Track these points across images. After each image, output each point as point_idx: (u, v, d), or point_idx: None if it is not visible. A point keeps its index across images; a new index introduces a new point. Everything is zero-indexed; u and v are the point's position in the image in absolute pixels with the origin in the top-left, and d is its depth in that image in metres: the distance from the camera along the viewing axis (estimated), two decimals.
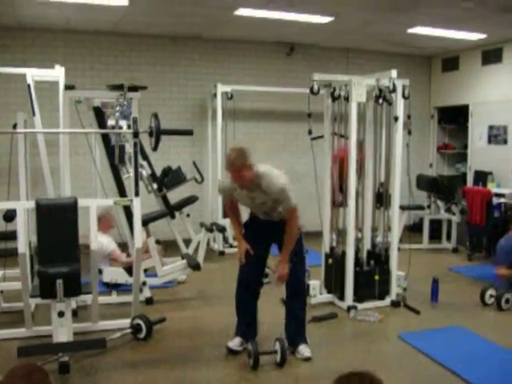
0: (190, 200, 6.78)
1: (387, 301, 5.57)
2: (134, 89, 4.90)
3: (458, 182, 9.43)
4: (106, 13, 6.87)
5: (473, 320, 5.22)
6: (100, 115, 5.18)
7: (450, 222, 8.37)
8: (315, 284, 5.53)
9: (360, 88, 5.23)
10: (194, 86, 8.60)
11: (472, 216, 7.58)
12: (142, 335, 4.58)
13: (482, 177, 8.63)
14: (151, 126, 4.23)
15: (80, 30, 7.82)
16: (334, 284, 5.62)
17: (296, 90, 8.01)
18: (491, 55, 8.72)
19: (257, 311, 4.40)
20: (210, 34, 8.34)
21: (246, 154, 3.93)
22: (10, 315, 4.99)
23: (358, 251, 5.56)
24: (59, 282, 3.85)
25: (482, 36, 8.08)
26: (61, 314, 3.97)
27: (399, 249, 5.79)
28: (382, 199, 5.74)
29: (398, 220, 5.77)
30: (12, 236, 4.50)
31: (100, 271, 5.51)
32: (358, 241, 5.62)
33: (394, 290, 5.60)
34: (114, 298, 5.64)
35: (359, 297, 5.46)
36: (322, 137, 5.63)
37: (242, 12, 6.81)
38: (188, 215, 6.73)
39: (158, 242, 6.21)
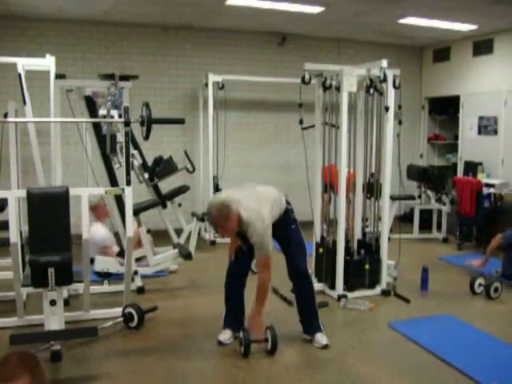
0: (182, 190, 6.79)
1: (377, 290, 5.61)
2: (125, 78, 4.90)
3: (449, 172, 9.51)
4: (96, 2, 6.84)
5: (462, 308, 5.27)
6: (91, 104, 5.17)
7: (440, 212, 8.43)
8: None
9: (351, 78, 5.24)
10: (185, 75, 8.59)
11: (462, 206, 7.63)
12: (134, 324, 4.60)
13: (472, 167, 8.67)
14: (142, 115, 4.22)
15: (71, 20, 7.78)
16: (325, 273, 5.66)
17: (287, 80, 8.02)
18: (482, 46, 8.75)
19: (244, 300, 4.43)
20: (202, 24, 8.32)
21: (228, 207, 3.92)
22: (1, 304, 4.99)
23: (348, 241, 5.59)
24: (51, 270, 3.85)
25: (473, 27, 8.10)
26: (52, 303, 3.98)
27: (389, 238, 5.83)
28: (372, 189, 5.77)
29: (388, 210, 5.79)
30: (2, 226, 4.50)
31: (92, 260, 5.51)
32: (349, 230, 5.66)
33: (385, 279, 5.64)
34: (105, 287, 5.65)
35: (350, 286, 5.50)
36: (313, 126, 5.65)
37: (234, 1, 6.80)
38: (179, 205, 6.75)
39: (148, 231, 6.21)
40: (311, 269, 5.67)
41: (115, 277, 5.68)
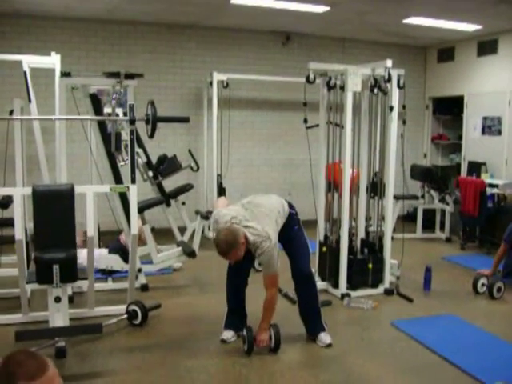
0: (186, 188, 6.80)
1: (381, 289, 5.62)
2: (130, 76, 4.91)
3: (452, 172, 9.51)
4: (101, 0, 6.85)
5: (465, 308, 5.28)
6: (96, 102, 5.17)
7: (443, 211, 8.43)
8: None
9: (355, 77, 5.25)
10: (189, 74, 8.60)
11: (465, 206, 7.63)
12: (138, 321, 4.62)
13: (475, 167, 8.67)
14: (148, 114, 4.24)
15: (76, 18, 7.80)
16: (328, 272, 5.67)
17: (292, 79, 8.04)
18: (487, 46, 8.74)
19: (245, 300, 4.45)
20: (207, 23, 8.33)
21: (235, 235, 3.86)
22: (6, 301, 5.01)
23: (351, 240, 5.60)
24: (56, 267, 3.88)
25: (478, 27, 8.09)
26: (57, 300, 4.00)
27: (393, 238, 5.85)
28: (376, 188, 5.77)
29: (391, 209, 5.81)
30: (7, 223, 4.52)
31: None
32: (352, 229, 5.67)
33: (388, 278, 5.65)
34: (109, 284, 5.68)
35: (353, 285, 5.51)
36: (317, 126, 5.66)
37: (239, 0, 6.80)
38: (183, 203, 6.76)
39: (153, 229, 6.23)
40: (314, 267, 5.68)
41: (119, 274, 5.71)
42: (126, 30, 8.19)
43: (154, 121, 4.20)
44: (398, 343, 4.44)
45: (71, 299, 4.92)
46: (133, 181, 4.30)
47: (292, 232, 4.33)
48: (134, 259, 4.60)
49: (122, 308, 4.69)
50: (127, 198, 4.68)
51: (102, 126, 5.19)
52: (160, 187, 6.36)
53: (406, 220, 8.24)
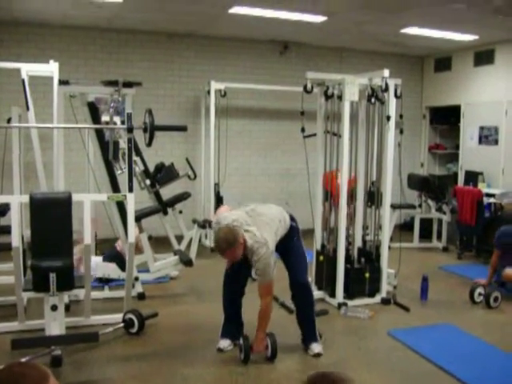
0: (183, 196, 6.80)
1: (377, 298, 5.62)
2: (128, 85, 4.92)
3: (449, 181, 9.52)
4: (100, 9, 6.87)
5: (462, 318, 5.28)
6: (94, 111, 5.18)
7: (440, 221, 8.44)
8: None
9: (353, 87, 5.27)
10: (187, 82, 8.61)
11: (462, 215, 7.64)
12: (134, 330, 4.61)
13: (472, 177, 8.68)
14: (145, 122, 4.25)
15: (74, 26, 7.81)
16: (325, 281, 5.67)
17: (289, 89, 8.05)
18: (483, 56, 8.79)
19: (241, 309, 4.46)
20: (205, 32, 8.35)
21: (235, 235, 3.90)
22: (2, 309, 4.99)
23: (348, 249, 5.61)
24: (52, 275, 3.87)
25: (475, 37, 8.14)
26: (54, 308, 3.99)
27: (390, 247, 5.84)
28: (373, 198, 5.78)
29: (388, 218, 5.81)
30: (4, 230, 4.52)
31: None
32: (349, 238, 5.67)
33: (385, 287, 5.65)
34: (106, 292, 5.66)
35: (350, 294, 5.51)
36: (314, 135, 5.68)
37: (237, 10, 6.83)
38: (180, 211, 6.75)
39: (150, 238, 6.23)
40: (311, 277, 5.68)
41: (116, 282, 5.70)
42: (125, 38, 8.21)
43: (151, 129, 4.21)
44: (395, 352, 4.44)
45: (67, 307, 4.92)
46: (130, 189, 4.31)
47: (291, 242, 4.34)
48: (130, 267, 4.60)
49: (119, 316, 4.68)
50: (124, 206, 4.68)
51: (99, 134, 5.19)
52: (157, 195, 6.36)
53: (403, 229, 8.27)
